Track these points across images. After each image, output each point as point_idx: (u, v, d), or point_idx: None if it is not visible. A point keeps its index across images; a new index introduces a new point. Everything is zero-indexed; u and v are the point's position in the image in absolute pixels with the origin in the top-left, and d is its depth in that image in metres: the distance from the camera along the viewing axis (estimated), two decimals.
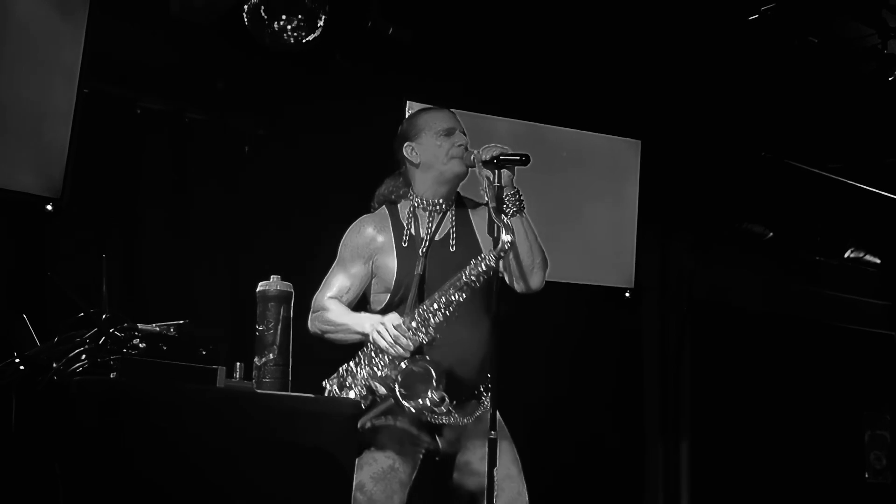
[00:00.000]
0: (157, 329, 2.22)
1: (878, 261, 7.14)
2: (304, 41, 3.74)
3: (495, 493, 2.44)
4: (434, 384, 2.54)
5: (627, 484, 5.47)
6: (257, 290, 2.57)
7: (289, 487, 2.25)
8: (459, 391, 2.66)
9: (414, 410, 2.57)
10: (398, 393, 2.54)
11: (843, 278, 7.00)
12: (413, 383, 2.56)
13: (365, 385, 2.62)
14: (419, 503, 2.75)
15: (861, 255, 6.96)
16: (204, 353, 2.22)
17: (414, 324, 2.60)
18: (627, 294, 5.14)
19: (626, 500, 5.45)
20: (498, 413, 2.56)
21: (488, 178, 2.64)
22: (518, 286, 2.80)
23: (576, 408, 5.18)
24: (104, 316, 2.15)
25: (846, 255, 6.90)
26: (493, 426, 2.49)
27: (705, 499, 5.78)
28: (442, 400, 2.56)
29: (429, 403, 2.55)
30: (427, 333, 2.59)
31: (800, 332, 6.60)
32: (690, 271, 5.87)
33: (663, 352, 5.76)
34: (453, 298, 2.60)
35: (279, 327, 2.50)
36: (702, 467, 5.78)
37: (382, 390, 2.56)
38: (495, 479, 2.45)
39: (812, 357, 6.62)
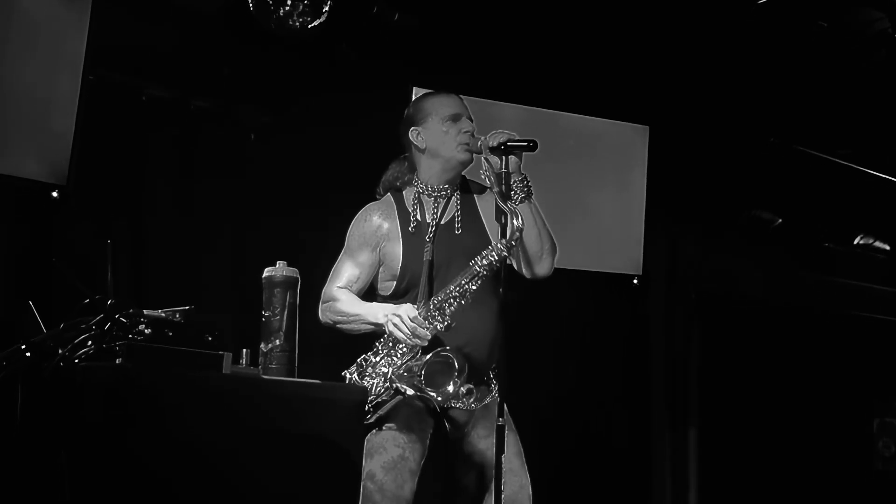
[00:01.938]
0: (163, 315, 2.21)
1: (888, 247, 7.10)
2: (309, 26, 3.73)
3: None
4: (456, 374, 2.54)
5: (635, 472, 5.46)
6: (263, 275, 2.56)
7: (296, 473, 2.24)
8: (470, 375, 2.66)
9: (440, 399, 2.57)
10: (424, 388, 2.54)
11: (852, 265, 6.96)
12: (434, 374, 2.56)
13: (388, 380, 2.61)
14: (426, 493, 2.75)
15: (871, 241, 6.92)
16: (210, 339, 2.21)
17: (430, 313, 2.59)
18: (635, 281, 5.13)
19: (633, 488, 5.44)
20: (505, 404, 2.56)
21: (492, 165, 2.63)
22: (527, 272, 2.79)
23: (582, 395, 5.17)
24: (109, 302, 2.14)
25: (856, 242, 6.87)
26: (500, 413, 2.48)
27: (713, 487, 5.77)
28: (470, 392, 2.59)
29: (452, 392, 2.55)
30: (443, 322, 2.58)
31: (808, 319, 6.57)
32: (698, 258, 5.85)
33: (671, 339, 5.75)
34: (467, 287, 2.60)
35: (285, 313, 2.49)
36: (710, 456, 5.77)
37: (410, 391, 2.55)
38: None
39: (820, 344, 6.60)
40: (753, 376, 6.10)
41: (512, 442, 2.72)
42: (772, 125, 5.61)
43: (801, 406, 6.39)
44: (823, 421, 6.55)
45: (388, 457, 2.65)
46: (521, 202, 2.66)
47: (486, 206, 2.81)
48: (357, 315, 2.72)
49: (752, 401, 6.07)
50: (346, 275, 2.80)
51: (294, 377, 2.47)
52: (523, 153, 2.66)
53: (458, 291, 2.60)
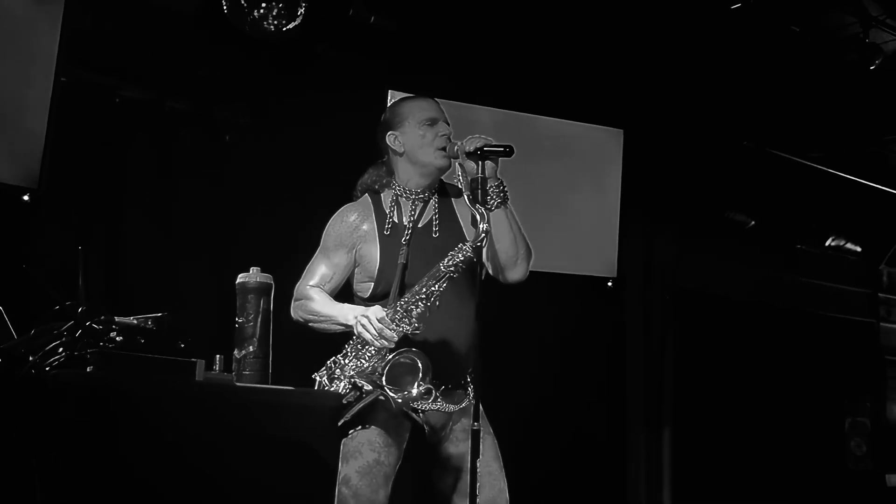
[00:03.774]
0: (135, 322, 2.19)
1: (859, 249, 7.18)
2: (284, 29, 3.71)
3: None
4: (420, 376, 2.53)
5: (610, 471, 5.49)
6: (237, 281, 2.55)
7: (269, 479, 2.23)
8: (446, 379, 2.65)
9: (400, 401, 2.56)
10: (385, 387, 2.53)
11: (824, 267, 7.04)
12: (399, 375, 2.55)
13: (351, 381, 2.61)
14: (401, 499, 2.74)
15: (842, 243, 7.00)
16: (182, 346, 2.20)
17: (397, 315, 2.59)
18: (610, 283, 5.16)
19: (609, 488, 5.47)
20: (482, 407, 2.56)
21: (467, 169, 2.63)
22: (501, 277, 2.79)
23: (559, 397, 5.19)
24: (81, 309, 2.12)
25: (827, 244, 6.94)
26: (475, 417, 2.48)
27: (687, 486, 5.81)
28: (429, 392, 2.57)
29: (415, 395, 2.54)
30: (410, 324, 2.58)
31: (781, 320, 6.64)
32: (673, 260, 5.89)
33: (647, 340, 5.79)
34: (434, 289, 2.59)
35: (259, 319, 2.48)
36: (684, 455, 5.82)
37: (368, 387, 2.54)
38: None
39: (793, 345, 6.67)
40: (728, 376, 6.15)
41: (489, 446, 2.72)
42: (745, 128, 5.66)
43: (774, 405, 6.45)
44: (796, 420, 6.61)
45: (364, 461, 2.64)
46: (497, 207, 2.66)
47: (463, 209, 2.80)
48: (329, 316, 2.71)
49: (727, 400, 6.12)
50: (319, 273, 2.79)
51: (268, 383, 2.46)
52: (499, 158, 2.66)
53: (424, 293, 2.59)
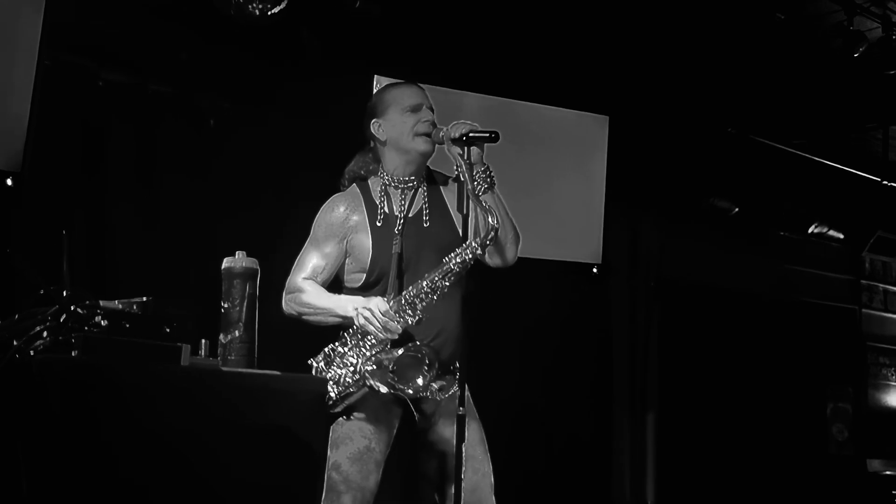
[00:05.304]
0: (120, 306, 2.18)
1: (842, 236, 7.23)
2: (269, 13, 3.69)
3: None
4: (426, 369, 2.54)
5: (595, 456, 5.52)
6: (222, 266, 2.53)
7: (257, 465, 2.23)
8: (438, 367, 2.66)
9: (412, 393, 2.57)
10: (396, 384, 2.53)
11: (807, 253, 7.08)
12: (406, 368, 2.55)
13: (357, 372, 2.60)
14: (390, 484, 2.75)
15: (825, 230, 7.04)
16: (168, 330, 2.19)
17: (401, 308, 2.59)
18: (595, 269, 5.17)
19: (594, 472, 5.50)
20: (468, 392, 2.57)
21: (460, 156, 2.62)
22: (491, 261, 2.79)
23: (544, 383, 5.21)
24: (65, 293, 2.11)
25: (810, 231, 6.99)
26: (461, 402, 2.49)
27: (671, 471, 5.86)
28: (441, 388, 2.59)
29: (421, 386, 2.55)
30: (414, 316, 2.58)
31: (764, 306, 6.68)
32: (658, 246, 5.91)
33: (632, 327, 5.81)
34: (439, 285, 2.59)
35: (245, 304, 2.47)
36: (668, 441, 5.86)
37: (384, 389, 2.54)
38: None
39: (776, 331, 6.71)
40: (711, 362, 6.19)
41: (474, 430, 2.73)
42: (729, 115, 5.68)
43: (757, 391, 6.49)
44: (779, 406, 6.66)
45: (355, 448, 2.64)
46: (484, 192, 2.66)
47: (452, 197, 2.80)
48: (325, 308, 2.69)
49: (710, 386, 6.16)
50: (311, 265, 2.77)
51: (254, 368, 2.46)
52: (485, 144, 2.66)
53: (430, 287, 2.59)
